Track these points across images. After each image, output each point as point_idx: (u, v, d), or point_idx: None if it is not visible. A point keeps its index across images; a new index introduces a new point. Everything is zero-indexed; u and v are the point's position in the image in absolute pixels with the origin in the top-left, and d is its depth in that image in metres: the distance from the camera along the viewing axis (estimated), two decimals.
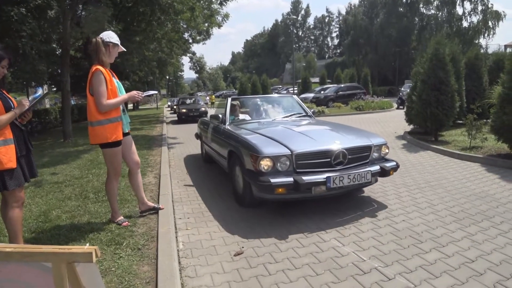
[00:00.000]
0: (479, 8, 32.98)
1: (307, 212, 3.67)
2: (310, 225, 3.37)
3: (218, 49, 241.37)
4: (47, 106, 21.55)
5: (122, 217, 3.46)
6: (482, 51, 21.94)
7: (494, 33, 32.50)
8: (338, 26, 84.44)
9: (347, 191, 3.84)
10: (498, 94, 5.61)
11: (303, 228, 3.31)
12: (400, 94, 18.97)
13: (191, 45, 19.88)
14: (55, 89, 19.51)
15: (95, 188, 4.73)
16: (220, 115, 5.23)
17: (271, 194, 3.34)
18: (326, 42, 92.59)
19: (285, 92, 35.46)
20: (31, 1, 9.07)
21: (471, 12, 33.53)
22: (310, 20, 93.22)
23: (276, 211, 3.78)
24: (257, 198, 3.67)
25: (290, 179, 3.27)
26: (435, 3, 35.89)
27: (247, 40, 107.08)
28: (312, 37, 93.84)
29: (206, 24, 14.40)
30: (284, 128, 4.31)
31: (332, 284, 2.34)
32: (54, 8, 10.00)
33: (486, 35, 32.60)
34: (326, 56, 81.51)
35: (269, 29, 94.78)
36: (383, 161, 3.87)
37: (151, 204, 3.74)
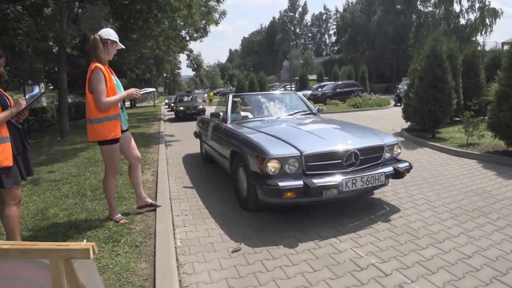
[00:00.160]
0: (477, 5, 33.16)
1: (304, 209, 3.68)
2: (307, 221, 3.38)
3: (216, 46, 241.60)
4: (44, 104, 21.43)
5: (119, 215, 3.46)
6: (479, 48, 21.94)
7: (491, 31, 32.71)
8: (335, 23, 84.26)
9: (359, 194, 3.54)
10: (495, 91, 5.64)
11: (300, 225, 3.31)
12: (398, 91, 19.02)
13: (188, 43, 19.82)
14: (52, 87, 19.43)
15: (92, 185, 4.73)
16: (221, 113, 4.97)
17: (279, 198, 3.10)
18: (323, 39, 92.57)
19: (282, 89, 35.45)
20: None
21: (469, 10, 33.71)
22: (308, 18, 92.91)
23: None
24: (263, 202, 3.45)
25: (300, 182, 3.04)
26: (432, 0, 35.94)
27: (244, 37, 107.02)
28: (310, 35, 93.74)
29: (203, 22, 14.34)
30: (290, 127, 4.07)
31: (330, 280, 2.35)
32: (50, 6, 9.95)
33: (483, 32, 32.81)
34: (324, 54, 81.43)
35: (267, 26, 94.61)
36: (395, 162, 3.65)
37: (148, 200, 3.74)
